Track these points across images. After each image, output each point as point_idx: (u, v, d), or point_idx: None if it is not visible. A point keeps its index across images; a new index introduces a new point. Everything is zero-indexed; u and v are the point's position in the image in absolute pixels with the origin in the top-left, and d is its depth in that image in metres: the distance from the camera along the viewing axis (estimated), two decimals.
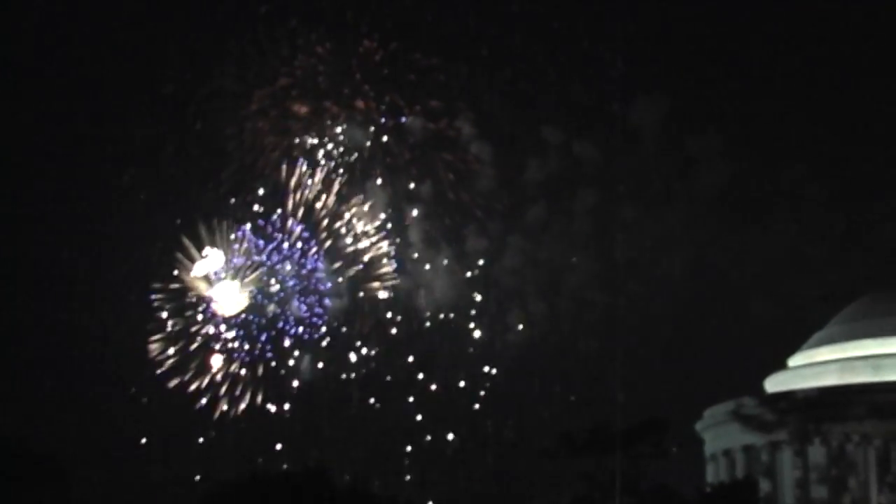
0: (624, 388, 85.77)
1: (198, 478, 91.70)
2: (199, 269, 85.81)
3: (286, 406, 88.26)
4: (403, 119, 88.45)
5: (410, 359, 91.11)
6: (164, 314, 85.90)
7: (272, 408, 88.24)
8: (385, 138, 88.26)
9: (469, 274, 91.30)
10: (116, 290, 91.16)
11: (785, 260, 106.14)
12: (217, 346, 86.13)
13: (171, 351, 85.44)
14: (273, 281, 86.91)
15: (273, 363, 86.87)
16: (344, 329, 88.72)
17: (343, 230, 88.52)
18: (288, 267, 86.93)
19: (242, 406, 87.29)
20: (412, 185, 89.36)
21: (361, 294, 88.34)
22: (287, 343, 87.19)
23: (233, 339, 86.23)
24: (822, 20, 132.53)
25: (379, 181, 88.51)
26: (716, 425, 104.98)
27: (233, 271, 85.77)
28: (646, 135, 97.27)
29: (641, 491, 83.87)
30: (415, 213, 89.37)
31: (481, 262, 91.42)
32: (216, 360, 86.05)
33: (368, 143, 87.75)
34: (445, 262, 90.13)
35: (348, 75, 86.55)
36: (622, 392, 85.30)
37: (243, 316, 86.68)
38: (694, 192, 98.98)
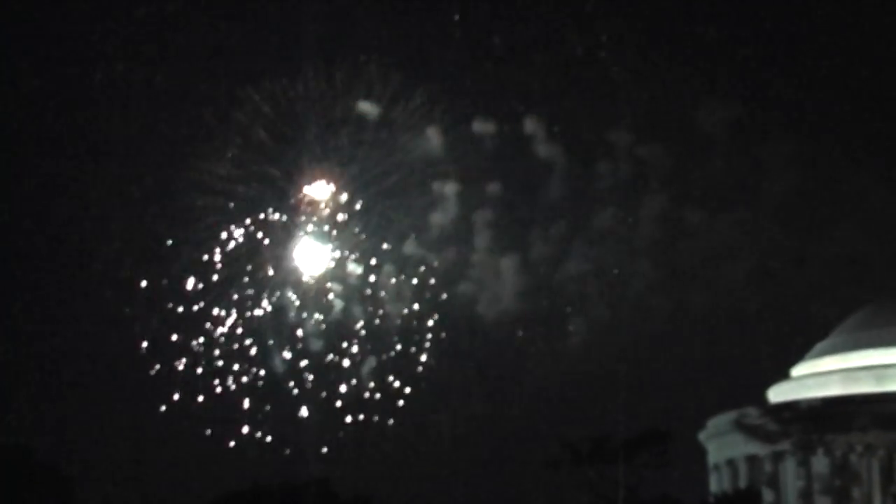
0: (627, 397, 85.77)
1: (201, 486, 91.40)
2: None
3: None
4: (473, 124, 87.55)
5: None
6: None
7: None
8: (454, 143, 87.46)
9: (532, 280, 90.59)
10: (119, 296, 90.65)
11: (845, 266, 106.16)
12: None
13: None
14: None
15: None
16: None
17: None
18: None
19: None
20: (480, 191, 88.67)
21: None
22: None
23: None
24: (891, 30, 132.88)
25: (448, 186, 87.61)
26: (719, 435, 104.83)
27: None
28: (715, 140, 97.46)
29: (644, 501, 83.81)
30: (482, 218, 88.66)
31: (545, 268, 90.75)
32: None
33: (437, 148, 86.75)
34: (508, 267, 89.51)
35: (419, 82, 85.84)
36: (625, 401, 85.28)
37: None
38: (760, 199, 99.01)
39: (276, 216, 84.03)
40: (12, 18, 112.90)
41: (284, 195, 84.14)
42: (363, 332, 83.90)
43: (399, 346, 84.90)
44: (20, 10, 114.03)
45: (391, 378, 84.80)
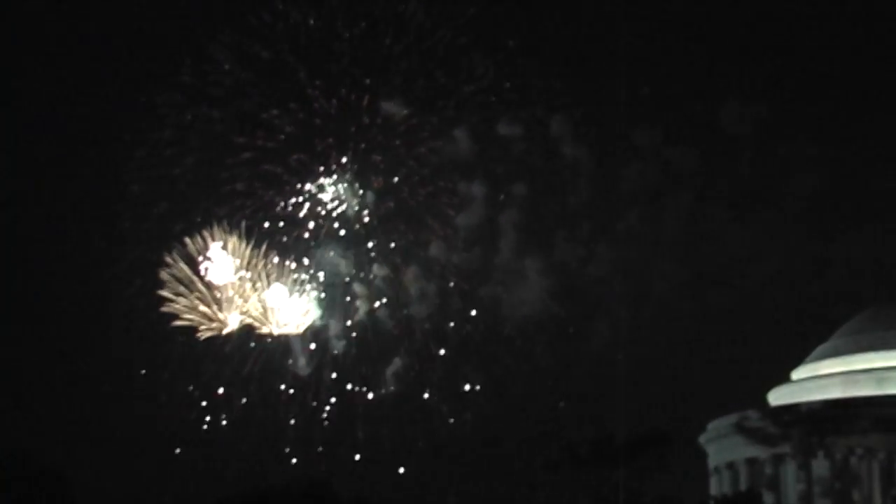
0: (627, 400, 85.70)
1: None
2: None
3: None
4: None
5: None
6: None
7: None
8: (481, 145, 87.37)
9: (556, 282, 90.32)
10: (122, 300, 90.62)
11: (870, 269, 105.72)
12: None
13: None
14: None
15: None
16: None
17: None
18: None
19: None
20: (506, 192, 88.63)
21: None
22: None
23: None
24: None
25: (474, 187, 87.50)
26: (719, 438, 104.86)
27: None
28: (740, 141, 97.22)
29: None
30: (507, 219, 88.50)
31: (570, 269, 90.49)
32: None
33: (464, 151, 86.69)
34: (533, 269, 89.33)
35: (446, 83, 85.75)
36: (626, 404, 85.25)
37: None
38: (785, 201, 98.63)
39: (302, 218, 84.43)
40: None
41: (310, 197, 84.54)
42: (387, 334, 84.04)
43: (422, 349, 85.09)
44: None
45: (409, 382, 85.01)
